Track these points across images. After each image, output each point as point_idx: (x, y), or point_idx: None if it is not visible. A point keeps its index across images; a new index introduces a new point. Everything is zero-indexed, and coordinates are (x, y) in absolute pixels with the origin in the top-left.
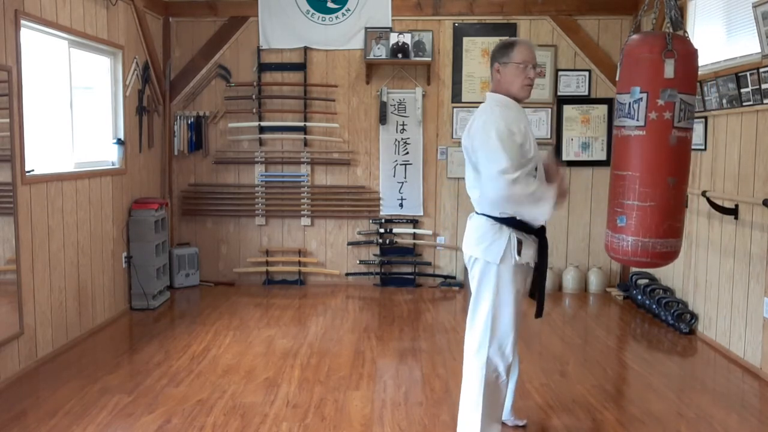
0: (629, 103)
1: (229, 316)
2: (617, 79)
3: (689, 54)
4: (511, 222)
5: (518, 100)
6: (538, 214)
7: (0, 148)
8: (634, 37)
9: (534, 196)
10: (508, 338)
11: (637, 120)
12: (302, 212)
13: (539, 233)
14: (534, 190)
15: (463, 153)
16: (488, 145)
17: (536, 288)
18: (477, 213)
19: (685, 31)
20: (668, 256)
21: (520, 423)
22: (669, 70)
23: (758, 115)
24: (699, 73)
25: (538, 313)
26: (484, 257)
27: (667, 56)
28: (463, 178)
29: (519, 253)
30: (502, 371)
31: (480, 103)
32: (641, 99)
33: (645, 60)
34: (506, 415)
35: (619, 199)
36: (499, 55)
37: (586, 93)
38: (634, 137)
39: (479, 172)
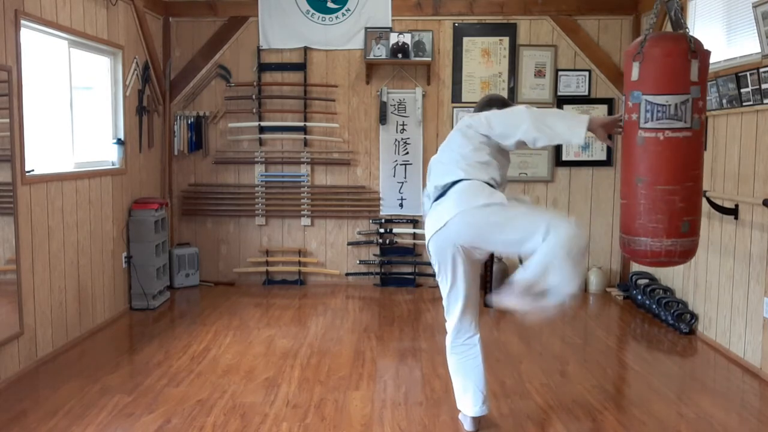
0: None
1: (229, 316)
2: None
3: (653, 57)
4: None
5: None
6: (568, 126)
7: (0, 148)
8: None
9: (558, 112)
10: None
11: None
12: (302, 212)
13: None
14: (551, 111)
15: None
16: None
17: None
18: (464, 179)
19: (687, 29)
20: (640, 254)
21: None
22: (635, 72)
23: (758, 115)
24: None
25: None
26: (499, 200)
27: (635, 59)
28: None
29: None
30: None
31: None
32: (621, 101)
33: (625, 65)
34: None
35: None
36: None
37: (586, 93)
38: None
39: (499, 127)
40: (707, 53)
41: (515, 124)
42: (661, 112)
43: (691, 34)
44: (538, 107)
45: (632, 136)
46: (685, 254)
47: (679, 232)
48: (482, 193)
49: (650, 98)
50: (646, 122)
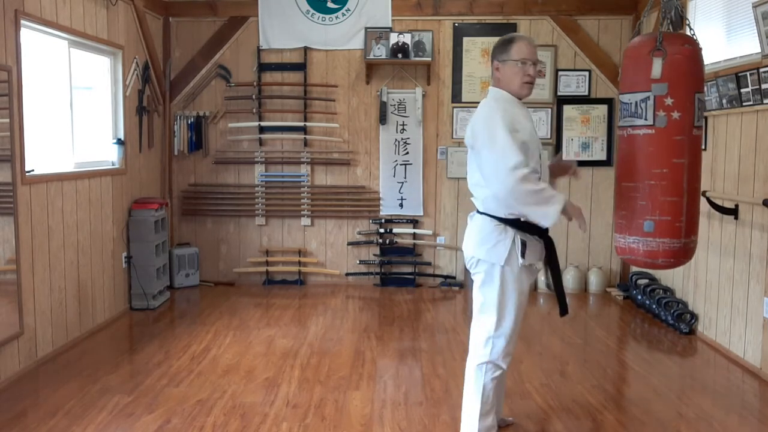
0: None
1: (229, 316)
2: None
3: (626, 56)
4: (516, 223)
5: (519, 98)
6: (544, 214)
7: (0, 148)
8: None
9: (542, 195)
10: (511, 339)
11: None
12: (302, 212)
13: (543, 233)
14: (543, 188)
15: (463, 153)
16: (494, 141)
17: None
18: (479, 212)
19: (692, 29)
20: (627, 252)
21: (509, 420)
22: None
23: (758, 115)
24: None
25: (563, 311)
26: (489, 258)
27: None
28: (464, 178)
29: (523, 255)
30: (502, 370)
31: (479, 103)
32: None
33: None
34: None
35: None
36: (497, 52)
37: (586, 93)
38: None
39: (482, 168)
40: (688, 49)
41: (499, 193)
42: (626, 110)
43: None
44: (537, 107)
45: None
46: (650, 254)
47: (642, 231)
48: (476, 241)
49: (622, 97)
50: (619, 121)
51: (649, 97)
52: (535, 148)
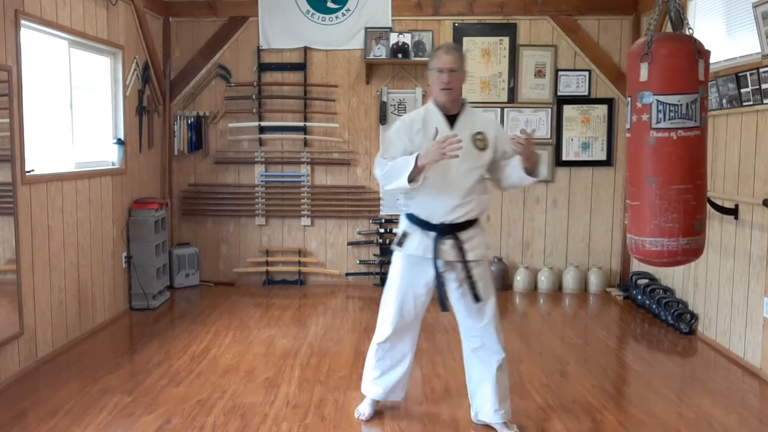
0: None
1: (229, 316)
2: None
3: (662, 56)
4: (410, 216)
5: (441, 105)
6: (402, 181)
7: (0, 148)
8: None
9: (395, 169)
10: (387, 321)
11: (628, 123)
12: (302, 212)
13: (445, 231)
14: (392, 164)
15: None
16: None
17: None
18: None
19: (689, 27)
20: (656, 255)
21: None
22: (644, 73)
23: (758, 115)
24: None
25: (443, 309)
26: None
27: (643, 60)
28: None
29: (399, 243)
30: (377, 347)
31: (480, 103)
32: (628, 103)
33: (630, 65)
34: (487, 415)
35: (627, 198)
36: (428, 64)
37: (586, 93)
38: (626, 139)
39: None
40: (708, 53)
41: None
42: (673, 111)
43: (691, 33)
44: (537, 107)
45: (642, 137)
46: (698, 252)
47: (693, 230)
48: None
49: (662, 98)
50: (658, 122)
51: (696, 99)
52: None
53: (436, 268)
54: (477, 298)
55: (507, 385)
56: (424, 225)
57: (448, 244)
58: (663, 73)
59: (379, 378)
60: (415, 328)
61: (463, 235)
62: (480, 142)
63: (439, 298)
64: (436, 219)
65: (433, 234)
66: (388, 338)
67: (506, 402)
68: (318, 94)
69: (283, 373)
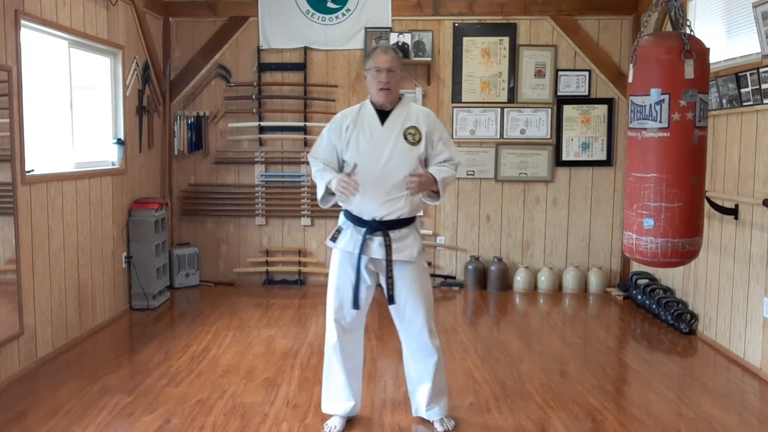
0: (650, 105)
1: (229, 316)
2: (630, 81)
3: (704, 53)
4: (345, 212)
5: (378, 104)
6: (319, 193)
7: (0, 148)
8: (647, 37)
9: (316, 178)
10: (330, 320)
11: (660, 122)
12: (302, 212)
13: (381, 228)
14: (315, 170)
15: (463, 153)
16: None
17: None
18: None
19: (692, 30)
20: (693, 254)
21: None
22: (689, 70)
23: (758, 115)
24: None
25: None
26: None
27: (686, 57)
28: (463, 178)
29: (333, 239)
30: (327, 345)
31: (479, 103)
32: (663, 100)
33: (663, 61)
34: (424, 412)
35: (644, 202)
36: (364, 64)
37: (586, 93)
38: (657, 139)
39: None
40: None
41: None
42: (706, 110)
43: (689, 32)
44: (537, 107)
45: (685, 136)
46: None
47: (701, 229)
48: None
49: (703, 97)
50: (700, 121)
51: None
52: (351, 155)
53: (359, 263)
54: (391, 299)
55: (444, 383)
56: (357, 221)
57: (376, 242)
58: (705, 71)
59: (338, 389)
60: (359, 325)
61: (394, 234)
62: (411, 136)
63: (354, 295)
64: (367, 215)
65: (363, 230)
66: (338, 338)
67: (443, 399)
68: (318, 94)
69: (283, 373)
